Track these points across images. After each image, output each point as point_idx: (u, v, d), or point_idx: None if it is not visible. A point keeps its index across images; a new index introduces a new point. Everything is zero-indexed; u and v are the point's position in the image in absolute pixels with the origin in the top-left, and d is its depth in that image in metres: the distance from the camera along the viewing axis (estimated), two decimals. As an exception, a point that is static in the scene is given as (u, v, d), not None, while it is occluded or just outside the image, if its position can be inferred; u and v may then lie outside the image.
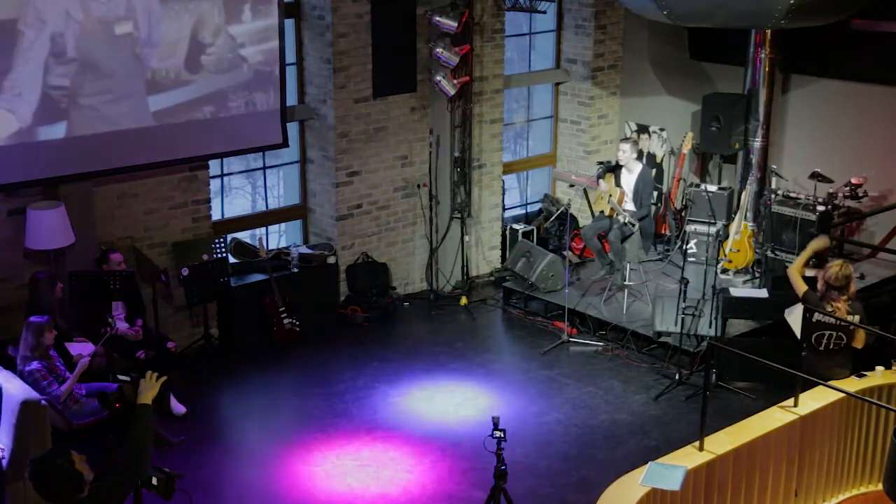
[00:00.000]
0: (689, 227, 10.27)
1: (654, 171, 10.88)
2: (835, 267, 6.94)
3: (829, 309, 6.89)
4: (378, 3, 9.68)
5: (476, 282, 10.88)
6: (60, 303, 7.90)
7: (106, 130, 8.26)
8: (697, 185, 10.59)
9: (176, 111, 8.60)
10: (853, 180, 9.66)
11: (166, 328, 8.84)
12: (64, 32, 7.85)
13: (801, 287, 7.12)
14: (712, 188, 10.45)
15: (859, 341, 7.04)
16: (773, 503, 6.43)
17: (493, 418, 5.86)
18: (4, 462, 6.48)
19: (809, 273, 7.50)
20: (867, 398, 6.63)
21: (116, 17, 8.08)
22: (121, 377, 7.57)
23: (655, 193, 10.70)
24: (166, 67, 8.44)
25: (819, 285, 7.02)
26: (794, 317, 7.11)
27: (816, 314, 6.86)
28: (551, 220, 11.35)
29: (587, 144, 11.73)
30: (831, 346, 6.96)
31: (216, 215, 9.56)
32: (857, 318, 6.94)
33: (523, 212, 11.99)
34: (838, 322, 6.85)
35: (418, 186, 10.42)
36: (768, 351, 7.46)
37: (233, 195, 10.34)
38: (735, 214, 10.13)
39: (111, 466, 6.48)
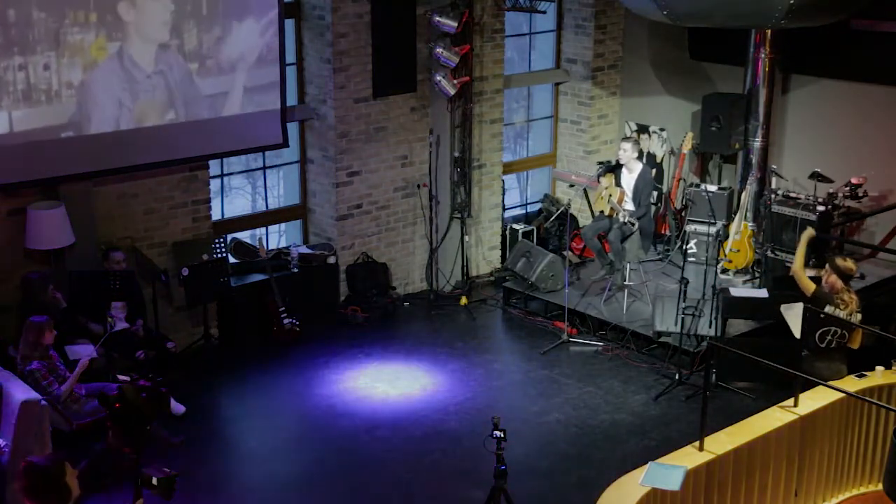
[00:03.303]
0: (689, 227, 10.26)
1: (654, 171, 10.88)
2: (847, 261, 7.11)
3: (843, 305, 6.98)
4: (378, 3, 9.67)
5: (476, 282, 10.88)
6: (54, 303, 7.89)
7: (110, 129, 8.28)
8: (697, 185, 10.58)
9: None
10: (853, 180, 9.65)
11: (166, 328, 8.83)
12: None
13: (809, 286, 7.14)
14: (712, 188, 10.43)
15: (856, 341, 7.08)
16: (773, 503, 6.43)
17: (493, 418, 5.86)
18: (5, 461, 6.48)
19: (809, 273, 7.51)
20: (867, 398, 6.64)
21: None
22: (121, 377, 7.58)
23: (655, 193, 10.70)
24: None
25: (832, 283, 7.04)
26: (793, 314, 7.12)
27: (826, 309, 6.95)
28: (551, 220, 11.35)
29: (587, 144, 11.73)
30: (833, 344, 6.98)
31: (216, 215, 9.55)
32: (859, 316, 6.99)
33: (523, 212, 11.99)
34: (844, 320, 6.92)
35: (418, 186, 10.42)
36: (768, 351, 7.43)
37: (233, 195, 10.33)
38: (735, 214, 10.13)
39: (111, 466, 6.48)
